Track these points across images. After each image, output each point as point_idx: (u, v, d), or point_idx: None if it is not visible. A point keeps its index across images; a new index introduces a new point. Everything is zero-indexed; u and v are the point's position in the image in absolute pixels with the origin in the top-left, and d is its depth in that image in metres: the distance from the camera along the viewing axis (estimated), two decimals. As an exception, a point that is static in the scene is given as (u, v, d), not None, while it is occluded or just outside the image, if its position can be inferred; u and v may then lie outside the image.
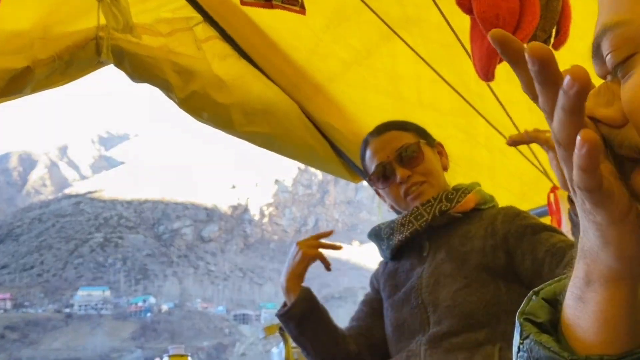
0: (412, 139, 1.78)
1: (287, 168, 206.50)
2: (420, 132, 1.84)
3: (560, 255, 1.45)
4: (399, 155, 1.75)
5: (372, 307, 1.88)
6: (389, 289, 1.80)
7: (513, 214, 1.66)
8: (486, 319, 1.51)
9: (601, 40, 0.51)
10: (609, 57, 0.50)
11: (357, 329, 1.85)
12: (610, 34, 0.49)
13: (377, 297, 1.86)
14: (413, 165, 1.75)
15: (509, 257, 1.59)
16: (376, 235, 1.86)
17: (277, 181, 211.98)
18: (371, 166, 1.81)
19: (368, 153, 1.83)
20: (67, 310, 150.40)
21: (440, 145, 1.87)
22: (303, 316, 1.78)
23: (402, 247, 1.78)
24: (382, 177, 1.78)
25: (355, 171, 3.15)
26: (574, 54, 2.11)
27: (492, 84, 2.36)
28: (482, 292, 1.57)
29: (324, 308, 1.85)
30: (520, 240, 1.57)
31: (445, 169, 1.84)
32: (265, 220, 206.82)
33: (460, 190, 1.75)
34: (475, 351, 1.51)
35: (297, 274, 1.85)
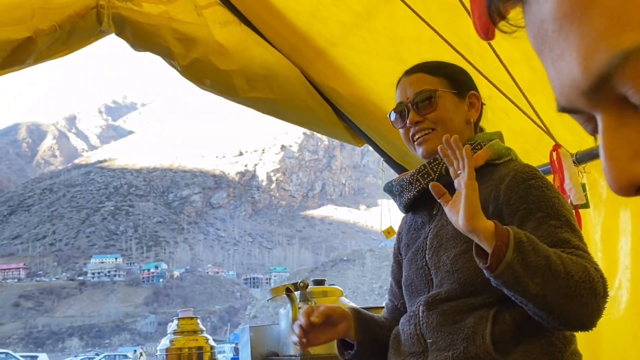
0: (435, 85, 1.73)
1: (292, 134, 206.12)
2: (452, 79, 1.76)
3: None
4: (415, 100, 1.72)
5: (395, 285, 1.88)
6: (405, 248, 1.81)
7: (521, 179, 1.56)
8: (484, 285, 1.47)
9: (614, 71, 0.41)
10: (634, 91, 0.41)
11: (390, 310, 1.88)
12: (637, 59, 0.40)
13: (397, 271, 1.88)
14: (425, 112, 1.71)
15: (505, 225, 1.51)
16: (389, 191, 1.86)
17: (283, 147, 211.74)
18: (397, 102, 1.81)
19: (398, 90, 1.81)
20: (81, 278, 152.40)
21: (476, 96, 1.77)
22: (370, 353, 1.78)
23: (414, 202, 1.78)
24: (399, 117, 1.77)
25: (358, 135, 3.15)
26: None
27: (493, 43, 2.35)
28: None
29: (379, 327, 1.81)
30: (513, 215, 1.52)
31: (468, 122, 1.75)
32: (273, 186, 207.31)
33: (472, 146, 1.67)
34: (469, 314, 1.51)
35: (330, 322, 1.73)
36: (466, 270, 1.54)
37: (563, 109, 0.48)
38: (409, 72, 1.79)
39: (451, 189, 1.68)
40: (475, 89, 1.80)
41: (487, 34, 1.70)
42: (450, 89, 1.74)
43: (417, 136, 1.72)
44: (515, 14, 0.45)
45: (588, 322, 1.39)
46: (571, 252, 1.42)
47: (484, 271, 1.38)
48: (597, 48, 0.41)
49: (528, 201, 1.53)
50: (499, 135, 1.76)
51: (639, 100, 0.42)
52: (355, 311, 1.77)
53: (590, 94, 0.43)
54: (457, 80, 1.77)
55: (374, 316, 1.82)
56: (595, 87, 0.43)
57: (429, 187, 1.51)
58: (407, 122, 1.73)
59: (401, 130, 1.79)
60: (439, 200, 1.49)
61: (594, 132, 0.47)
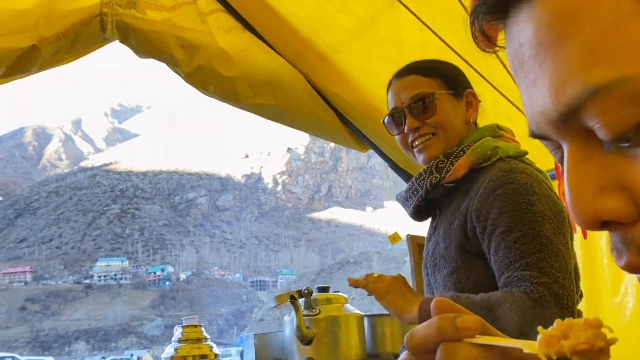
0: (431, 87, 1.65)
1: (298, 136, 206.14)
2: (448, 80, 1.69)
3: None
4: (412, 104, 1.64)
5: None
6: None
7: (491, 189, 1.49)
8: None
9: (584, 104, 0.41)
10: (601, 126, 0.42)
11: None
12: (606, 95, 0.40)
13: None
14: (424, 116, 1.64)
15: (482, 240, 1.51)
16: (400, 201, 1.82)
17: (289, 149, 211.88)
18: (390, 108, 1.73)
19: (389, 94, 1.74)
20: (87, 281, 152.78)
21: (472, 95, 1.71)
22: None
23: (421, 213, 1.75)
24: (394, 123, 1.70)
25: (362, 140, 3.15)
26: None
27: (497, 48, 2.35)
28: (468, 278, 1.53)
29: None
30: (483, 233, 1.49)
31: (468, 122, 1.69)
32: (279, 188, 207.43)
33: (453, 155, 1.61)
34: None
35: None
36: (455, 290, 1.53)
37: (533, 135, 0.48)
38: (401, 75, 1.72)
39: (445, 202, 1.66)
40: (471, 87, 1.74)
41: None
42: (447, 90, 1.67)
43: (416, 142, 1.66)
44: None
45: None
46: (516, 275, 1.39)
47: None
48: (569, 80, 0.42)
49: (491, 217, 1.47)
50: (492, 131, 1.67)
51: (604, 135, 0.42)
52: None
53: (558, 123, 0.44)
54: (452, 80, 1.71)
55: None
56: (563, 117, 0.43)
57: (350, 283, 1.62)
58: (405, 128, 1.66)
59: (397, 137, 1.72)
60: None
61: (561, 160, 0.47)
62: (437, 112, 1.64)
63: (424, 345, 0.52)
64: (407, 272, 2.47)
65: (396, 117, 1.69)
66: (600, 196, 0.43)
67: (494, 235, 1.45)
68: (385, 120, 1.73)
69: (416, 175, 1.67)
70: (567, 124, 0.44)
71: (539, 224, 1.43)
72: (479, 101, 1.74)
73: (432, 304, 0.54)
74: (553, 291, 1.35)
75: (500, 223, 1.44)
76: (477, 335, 0.51)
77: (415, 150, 1.68)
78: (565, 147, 0.46)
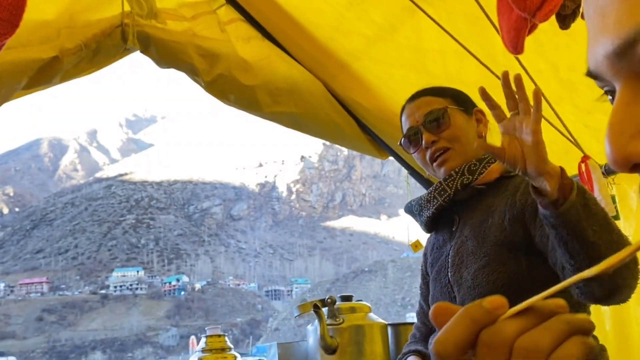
0: (443, 104, 1.74)
1: (312, 144, 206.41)
2: (457, 98, 1.79)
3: None
4: (426, 120, 1.73)
5: (424, 305, 1.88)
6: (430, 267, 1.81)
7: None
8: (506, 298, 1.47)
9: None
10: None
11: (423, 333, 1.87)
12: None
13: (425, 292, 1.87)
14: (439, 130, 1.71)
15: (527, 231, 1.53)
16: (410, 211, 1.88)
17: (303, 158, 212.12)
18: (404, 131, 1.81)
19: (403, 118, 1.82)
20: (103, 291, 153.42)
21: (481, 112, 1.79)
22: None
23: (435, 220, 1.79)
24: (411, 142, 1.77)
25: (382, 147, 3.14)
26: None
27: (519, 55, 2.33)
28: (501, 271, 1.54)
29: None
30: (535, 214, 1.48)
31: (480, 136, 1.76)
32: (293, 197, 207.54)
33: (485, 160, 1.70)
34: None
35: None
36: (486, 284, 1.54)
37: (589, 74, 0.48)
38: (413, 98, 1.81)
39: (469, 206, 1.71)
40: (477, 106, 1.82)
41: (516, 48, 1.68)
42: (457, 106, 1.76)
43: (435, 156, 1.72)
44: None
45: (626, 290, 1.35)
46: None
47: (545, 210, 1.33)
48: (633, 13, 0.42)
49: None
50: None
51: None
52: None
53: (614, 58, 0.44)
54: (461, 99, 1.80)
55: None
56: (619, 52, 0.43)
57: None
58: (423, 143, 1.72)
59: (415, 155, 1.78)
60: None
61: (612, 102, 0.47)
62: (451, 125, 1.72)
63: (462, 344, 0.50)
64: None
65: (412, 135, 1.76)
66: (637, 139, 0.44)
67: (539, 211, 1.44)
68: (402, 141, 1.80)
69: (444, 177, 1.72)
70: (622, 59, 0.44)
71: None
72: (487, 120, 1.81)
73: (432, 310, 0.53)
74: None
75: None
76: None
77: (435, 164, 1.74)
78: (617, 88, 0.46)
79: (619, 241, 1.32)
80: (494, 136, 1.83)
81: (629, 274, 1.33)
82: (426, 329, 1.86)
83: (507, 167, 1.58)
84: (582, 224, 1.30)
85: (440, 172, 1.74)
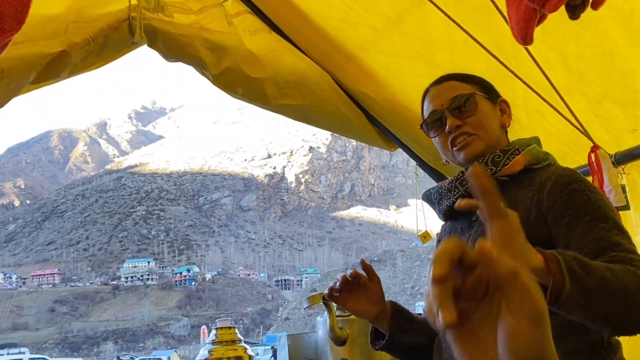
0: (470, 90, 1.71)
1: (320, 135, 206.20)
2: (483, 86, 1.76)
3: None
4: (452, 105, 1.69)
5: None
6: None
7: (563, 183, 1.52)
8: None
9: None
10: None
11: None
12: None
13: None
14: (465, 116, 1.68)
15: (551, 231, 1.51)
16: (428, 199, 1.84)
17: (311, 149, 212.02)
18: (426, 114, 1.77)
19: (426, 101, 1.78)
20: (114, 282, 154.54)
21: (505, 102, 1.77)
22: (404, 347, 1.75)
23: (454, 209, 1.74)
24: (434, 125, 1.73)
25: (390, 139, 3.13)
26: (612, 10, 2.06)
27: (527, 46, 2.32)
28: None
29: (415, 322, 1.77)
30: (559, 220, 1.48)
31: (503, 127, 1.73)
32: (302, 187, 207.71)
33: (510, 151, 1.65)
34: None
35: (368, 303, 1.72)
36: None
37: None
38: (439, 81, 1.77)
39: None
40: (501, 97, 1.80)
41: (525, 39, 1.67)
42: (484, 94, 1.73)
43: (458, 140, 1.69)
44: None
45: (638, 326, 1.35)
46: (623, 256, 1.38)
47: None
48: None
49: (573, 206, 1.48)
50: (537, 141, 1.73)
51: None
52: (393, 303, 1.75)
53: None
54: (487, 87, 1.77)
55: (410, 312, 1.79)
56: None
57: (457, 206, 1.43)
58: (447, 127, 1.69)
59: (437, 139, 1.74)
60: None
61: None
62: (477, 112, 1.68)
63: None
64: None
65: (436, 119, 1.72)
66: None
67: (580, 222, 1.46)
68: (424, 124, 1.76)
69: (466, 167, 1.69)
70: None
71: (619, 219, 1.50)
72: (511, 112, 1.79)
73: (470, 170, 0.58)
74: None
75: (586, 212, 1.47)
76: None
77: (455, 149, 1.70)
78: None
79: (626, 300, 1.31)
80: (516, 128, 1.82)
81: (632, 317, 1.33)
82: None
83: (530, 159, 1.63)
84: (582, 307, 1.29)
85: (460, 157, 1.70)
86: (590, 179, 2.54)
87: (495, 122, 1.72)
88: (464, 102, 1.69)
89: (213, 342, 2.17)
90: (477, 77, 1.79)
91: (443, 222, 1.88)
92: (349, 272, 1.68)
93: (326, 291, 1.72)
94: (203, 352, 2.16)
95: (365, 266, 1.71)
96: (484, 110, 1.69)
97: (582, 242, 1.45)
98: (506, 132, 1.76)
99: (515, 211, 1.54)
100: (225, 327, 2.21)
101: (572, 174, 1.55)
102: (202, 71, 2.68)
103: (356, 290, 1.69)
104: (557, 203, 1.50)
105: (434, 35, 2.59)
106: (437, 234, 1.93)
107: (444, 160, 1.81)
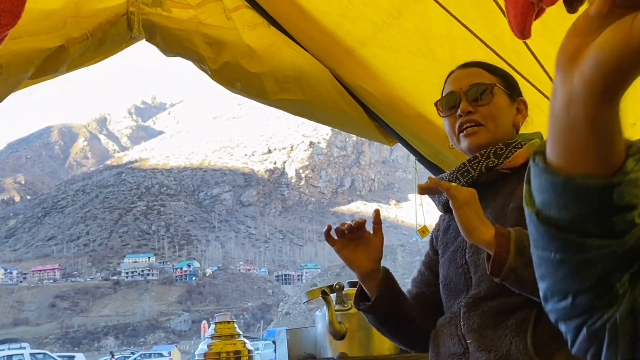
0: (492, 80, 1.73)
1: (320, 130, 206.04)
2: (507, 80, 1.77)
3: None
4: (470, 90, 1.71)
5: (427, 272, 1.87)
6: (442, 247, 1.79)
7: None
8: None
9: None
10: None
11: (413, 295, 1.86)
12: None
13: (433, 259, 1.85)
14: (479, 104, 1.70)
15: None
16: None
17: (311, 144, 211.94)
18: (445, 94, 1.79)
19: (447, 82, 1.80)
20: (115, 277, 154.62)
21: (524, 103, 1.79)
22: (386, 313, 1.76)
23: None
24: (448, 105, 1.74)
25: (390, 134, 3.13)
26: None
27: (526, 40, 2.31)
28: None
29: (402, 294, 1.79)
30: None
31: (515, 125, 1.75)
32: (302, 182, 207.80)
33: (512, 145, 1.67)
34: (511, 315, 1.50)
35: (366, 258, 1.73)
36: None
37: None
38: (465, 66, 1.79)
39: (491, 190, 1.67)
40: (523, 96, 1.81)
41: (523, 33, 1.67)
42: (504, 88, 1.74)
43: (465, 126, 1.70)
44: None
45: None
46: None
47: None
48: None
49: None
50: (539, 136, 1.74)
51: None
52: (387, 270, 1.77)
53: None
54: (510, 83, 1.78)
55: (400, 288, 1.82)
56: None
57: (420, 189, 1.52)
58: (459, 110, 1.71)
59: (446, 120, 1.76)
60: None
61: None
62: (492, 103, 1.70)
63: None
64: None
65: (451, 99, 1.74)
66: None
67: None
68: (439, 101, 1.78)
69: (469, 159, 1.70)
70: None
71: None
72: (527, 115, 1.81)
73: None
74: None
75: None
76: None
77: (462, 134, 1.71)
78: None
79: None
80: (528, 128, 1.82)
81: None
82: (416, 291, 1.85)
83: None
84: (528, 283, 1.33)
85: (464, 144, 1.72)
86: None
87: (508, 118, 1.73)
88: (482, 91, 1.70)
89: (212, 337, 2.17)
90: (504, 71, 1.81)
91: (442, 214, 1.88)
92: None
93: (324, 229, 1.73)
94: (202, 346, 2.17)
95: (377, 219, 1.71)
96: (498, 103, 1.71)
97: None
98: (517, 131, 1.77)
99: (514, 202, 1.59)
100: (224, 322, 2.21)
101: None
102: (201, 66, 2.68)
103: (356, 241, 1.71)
104: None
105: (433, 29, 2.58)
106: (436, 223, 1.93)
107: (450, 144, 1.82)
